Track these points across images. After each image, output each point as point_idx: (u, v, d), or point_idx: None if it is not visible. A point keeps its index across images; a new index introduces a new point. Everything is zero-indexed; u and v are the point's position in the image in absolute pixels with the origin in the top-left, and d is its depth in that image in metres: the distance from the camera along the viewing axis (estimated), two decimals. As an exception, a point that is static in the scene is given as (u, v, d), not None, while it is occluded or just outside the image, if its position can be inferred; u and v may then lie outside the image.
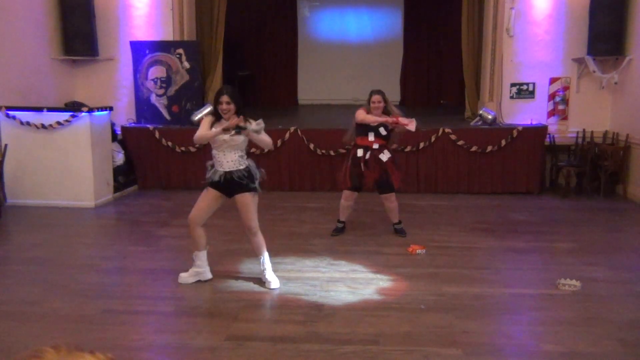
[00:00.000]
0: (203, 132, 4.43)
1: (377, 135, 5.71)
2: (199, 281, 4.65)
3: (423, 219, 6.75)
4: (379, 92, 5.81)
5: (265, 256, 4.63)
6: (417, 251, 5.40)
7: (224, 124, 4.37)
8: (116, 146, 8.27)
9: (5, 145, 7.11)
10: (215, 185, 4.48)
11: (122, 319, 4.01)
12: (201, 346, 3.59)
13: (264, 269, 4.60)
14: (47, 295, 4.39)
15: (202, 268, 4.66)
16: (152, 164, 8.44)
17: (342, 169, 5.93)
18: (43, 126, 7.20)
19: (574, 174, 8.23)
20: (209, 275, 4.68)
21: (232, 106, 4.39)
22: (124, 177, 8.28)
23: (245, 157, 4.51)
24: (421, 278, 4.75)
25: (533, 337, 3.73)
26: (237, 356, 3.46)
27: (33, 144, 7.26)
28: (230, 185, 4.43)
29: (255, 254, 4.68)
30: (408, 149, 8.05)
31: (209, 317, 4.05)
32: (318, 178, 8.23)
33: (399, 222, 6.04)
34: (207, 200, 4.51)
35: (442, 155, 8.09)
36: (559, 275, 4.63)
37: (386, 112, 5.75)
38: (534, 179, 8.09)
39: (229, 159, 4.42)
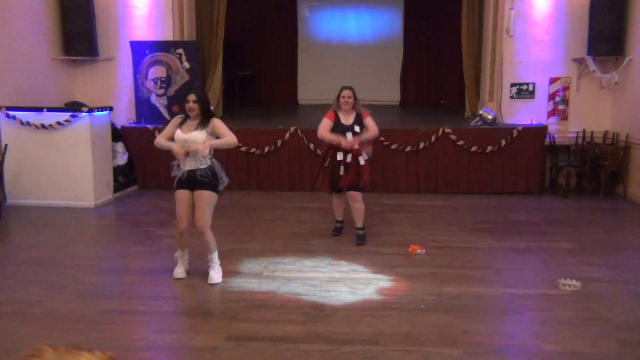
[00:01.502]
0: (162, 140, 4.63)
1: (355, 134, 5.57)
2: (198, 281, 4.68)
3: (423, 219, 6.75)
4: (349, 87, 5.67)
5: (215, 254, 4.71)
6: (417, 251, 5.40)
7: (190, 126, 4.57)
8: (122, 147, 8.26)
9: (5, 145, 7.11)
10: (181, 184, 4.60)
11: (122, 319, 4.01)
12: (201, 346, 3.59)
13: (212, 265, 4.69)
14: (47, 295, 4.39)
15: (186, 261, 4.84)
16: (152, 164, 8.44)
17: (318, 172, 5.82)
18: (43, 126, 7.20)
19: (574, 174, 8.23)
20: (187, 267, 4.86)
21: (197, 105, 4.55)
22: (124, 177, 8.28)
23: (209, 157, 4.61)
24: (421, 278, 4.74)
25: (533, 337, 3.73)
26: (237, 356, 3.46)
27: (33, 144, 7.26)
28: (193, 181, 4.55)
29: (206, 252, 4.72)
30: (408, 149, 8.05)
31: (209, 317, 4.06)
32: (318, 178, 8.23)
33: (363, 228, 5.78)
34: (183, 205, 4.60)
35: (442, 155, 8.09)
36: (559, 275, 4.64)
37: (355, 108, 5.64)
38: (534, 179, 8.09)
39: (190, 157, 4.56)
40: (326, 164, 5.68)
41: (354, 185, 5.62)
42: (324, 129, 5.59)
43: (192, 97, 4.57)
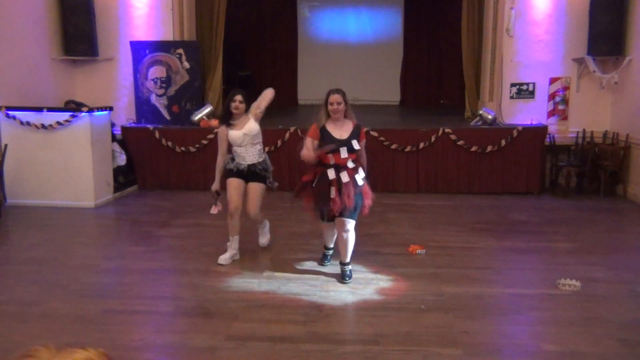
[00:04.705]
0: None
1: (350, 150, 4.49)
2: (198, 281, 4.69)
3: (423, 219, 6.75)
4: (338, 91, 4.55)
5: (266, 223, 5.50)
6: (417, 251, 5.40)
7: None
8: (117, 147, 8.25)
9: (5, 145, 7.11)
10: (237, 174, 5.09)
11: (122, 319, 4.01)
12: (201, 346, 3.59)
13: (264, 228, 5.49)
14: (47, 295, 4.39)
15: (237, 250, 5.25)
16: (152, 164, 8.44)
17: (302, 189, 4.77)
18: (43, 126, 7.19)
19: (574, 174, 8.23)
20: (238, 256, 5.28)
21: (243, 105, 5.07)
22: (124, 177, 8.28)
23: (263, 152, 5.22)
24: (421, 278, 4.74)
25: (533, 337, 3.73)
26: (237, 356, 3.46)
27: (33, 144, 7.26)
28: (251, 174, 5.09)
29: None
30: (408, 149, 8.05)
31: (209, 317, 4.05)
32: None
33: (349, 263, 4.70)
34: (235, 188, 5.08)
35: (442, 155, 8.09)
36: (559, 275, 4.63)
37: (349, 117, 4.62)
38: (534, 179, 8.09)
39: (251, 153, 5.09)
40: (313, 184, 4.59)
41: (352, 212, 4.52)
42: (309, 149, 4.51)
43: (238, 97, 5.03)
